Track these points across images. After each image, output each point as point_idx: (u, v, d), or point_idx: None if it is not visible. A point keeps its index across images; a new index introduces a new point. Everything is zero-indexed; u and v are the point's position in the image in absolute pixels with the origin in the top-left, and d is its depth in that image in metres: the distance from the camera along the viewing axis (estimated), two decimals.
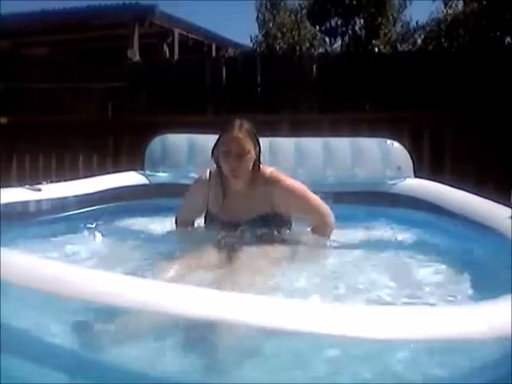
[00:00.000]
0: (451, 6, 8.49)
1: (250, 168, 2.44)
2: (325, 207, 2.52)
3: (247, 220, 2.45)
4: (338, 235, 2.57)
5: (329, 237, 2.51)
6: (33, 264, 1.44)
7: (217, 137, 2.49)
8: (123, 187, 3.47)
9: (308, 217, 2.57)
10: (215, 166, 2.55)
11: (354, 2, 9.06)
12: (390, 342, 1.16)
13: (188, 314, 1.22)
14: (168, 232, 2.74)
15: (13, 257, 1.47)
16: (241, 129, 2.38)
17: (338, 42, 9.71)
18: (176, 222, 2.72)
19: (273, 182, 2.47)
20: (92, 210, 3.16)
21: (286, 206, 2.48)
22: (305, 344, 1.18)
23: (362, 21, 9.42)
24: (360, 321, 1.20)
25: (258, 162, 2.48)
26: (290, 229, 2.57)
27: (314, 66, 6.74)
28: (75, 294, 1.28)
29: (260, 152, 2.47)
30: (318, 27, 9.61)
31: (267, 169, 2.52)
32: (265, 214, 2.45)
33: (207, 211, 2.58)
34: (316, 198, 2.51)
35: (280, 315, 1.20)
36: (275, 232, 2.45)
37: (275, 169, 2.55)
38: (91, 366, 1.27)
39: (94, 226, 2.73)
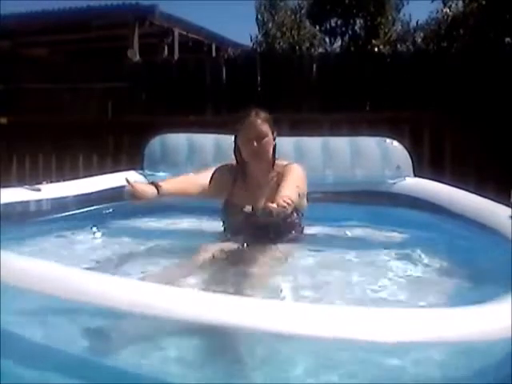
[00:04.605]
0: (450, 6, 8.47)
1: (270, 152, 2.46)
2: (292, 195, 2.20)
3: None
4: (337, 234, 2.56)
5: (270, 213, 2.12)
6: (32, 266, 1.43)
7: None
8: (122, 187, 3.46)
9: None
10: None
11: (354, 2, 9.05)
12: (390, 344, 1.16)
13: (187, 318, 1.21)
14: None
15: (12, 259, 1.46)
16: (257, 115, 2.45)
17: (338, 42, 9.69)
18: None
19: (285, 167, 2.46)
20: (91, 209, 3.16)
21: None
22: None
23: (361, 21, 9.40)
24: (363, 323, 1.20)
25: (273, 153, 2.48)
26: (301, 232, 2.54)
27: (314, 66, 6.74)
28: (76, 297, 1.27)
29: (275, 142, 2.49)
30: (317, 27, 9.59)
31: (285, 161, 2.52)
32: None
33: (227, 199, 2.55)
34: (293, 185, 2.28)
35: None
36: (283, 230, 2.42)
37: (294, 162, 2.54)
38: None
39: (93, 225, 2.73)
